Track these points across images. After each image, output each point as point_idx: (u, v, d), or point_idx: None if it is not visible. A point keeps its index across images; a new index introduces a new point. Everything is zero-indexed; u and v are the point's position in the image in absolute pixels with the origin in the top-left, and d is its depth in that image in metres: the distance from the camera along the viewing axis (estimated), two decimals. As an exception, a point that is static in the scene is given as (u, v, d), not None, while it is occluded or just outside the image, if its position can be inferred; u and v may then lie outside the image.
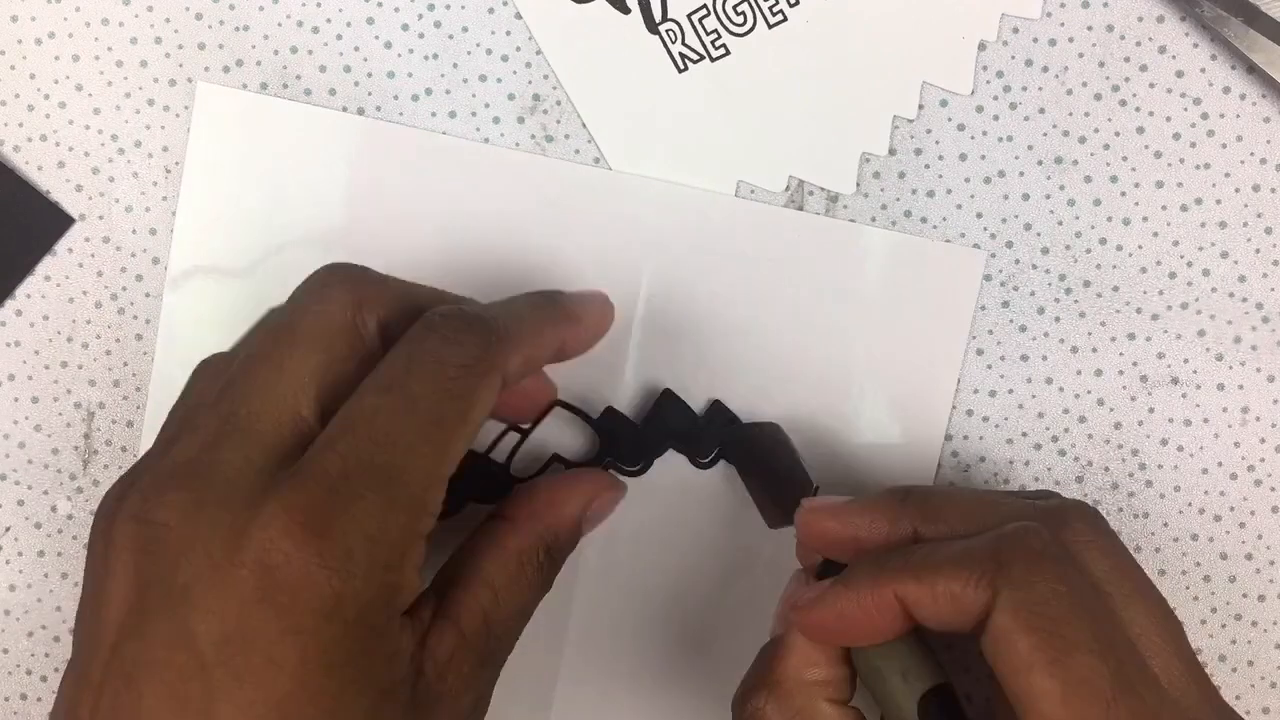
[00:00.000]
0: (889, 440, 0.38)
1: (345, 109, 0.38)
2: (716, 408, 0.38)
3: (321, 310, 0.31)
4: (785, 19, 0.38)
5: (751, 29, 0.38)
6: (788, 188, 0.38)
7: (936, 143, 0.38)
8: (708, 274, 0.38)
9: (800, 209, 0.38)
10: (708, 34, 0.38)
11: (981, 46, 0.38)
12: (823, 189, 0.38)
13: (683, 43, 0.38)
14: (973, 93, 0.38)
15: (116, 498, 0.29)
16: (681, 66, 0.38)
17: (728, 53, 0.38)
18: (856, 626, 0.29)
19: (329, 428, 0.29)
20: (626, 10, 0.38)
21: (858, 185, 0.38)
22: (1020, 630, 0.27)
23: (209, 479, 0.28)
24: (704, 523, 0.39)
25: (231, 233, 0.38)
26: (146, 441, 0.39)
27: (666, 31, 0.38)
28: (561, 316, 0.33)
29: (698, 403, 0.38)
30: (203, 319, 0.39)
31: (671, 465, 0.38)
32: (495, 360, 0.30)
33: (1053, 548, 0.28)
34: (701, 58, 0.38)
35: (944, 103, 0.38)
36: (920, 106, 0.38)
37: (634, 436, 0.38)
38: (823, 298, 0.38)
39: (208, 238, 0.39)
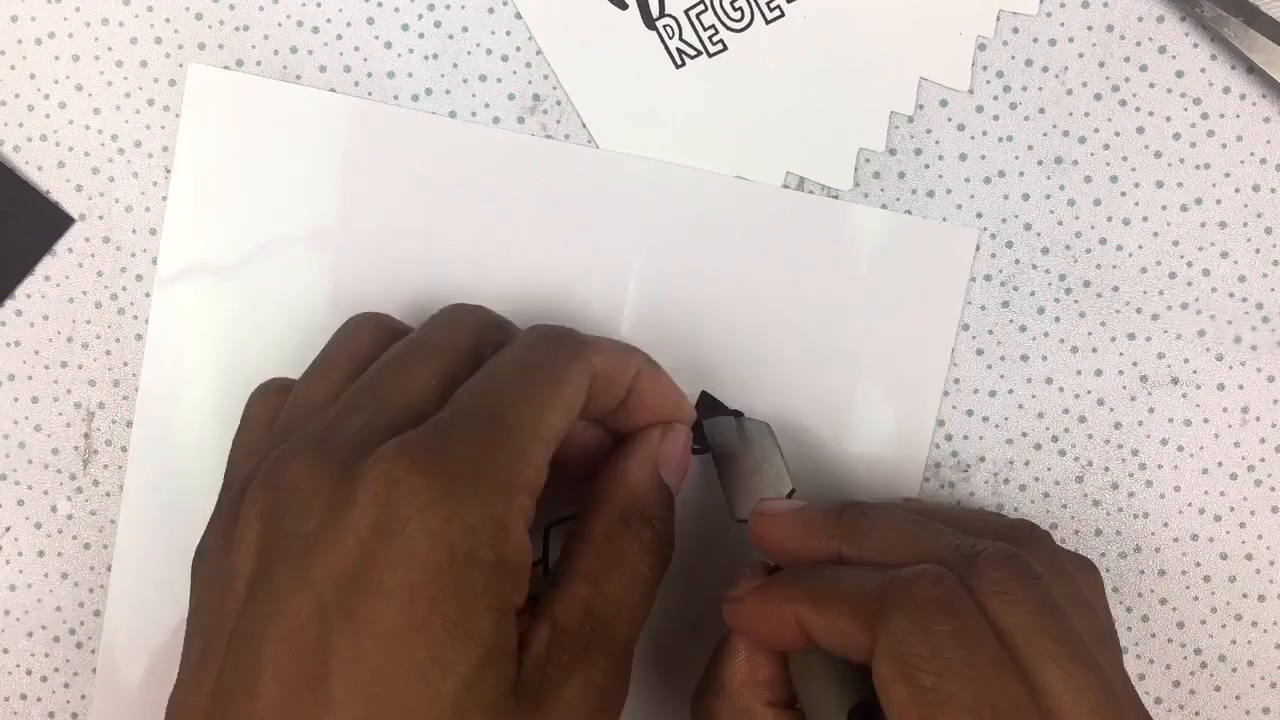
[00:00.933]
0: (881, 422, 0.38)
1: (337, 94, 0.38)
2: (705, 399, 0.38)
3: (450, 332, 0.33)
4: (783, 15, 0.38)
5: (749, 24, 0.38)
6: (785, 184, 0.38)
7: (936, 143, 0.38)
8: (700, 255, 0.38)
9: (800, 209, 0.38)
10: (705, 30, 0.38)
11: (981, 46, 0.38)
12: (821, 185, 0.38)
13: (680, 38, 0.38)
14: (971, 90, 0.38)
15: (241, 485, 0.31)
16: (679, 62, 0.38)
17: (725, 48, 0.38)
18: (764, 634, 0.31)
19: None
20: (624, 6, 0.38)
21: (856, 182, 0.38)
22: (895, 680, 0.27)
23: (334, 442, 0.30)
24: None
25: (223, 221, 0.38)
26: (143, 440, 0.39)
27: (664, 27, 0.38)
28: (640, 354, 0.34)
29: (689, 386, 0.38)
30: (195, 312, 0.39)
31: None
32: (582, 352, 0.32)
33: (947, 596, 0.27)
34: (699, 53, 0.38)
35: (944, 102, 0.38)
36: (920, 106, 0.38)
37: None
38: (814, 277, 0.38)
39: (200, 229, 0.38)
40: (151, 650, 0.39)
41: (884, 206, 0.38)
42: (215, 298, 0.39)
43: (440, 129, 0.38)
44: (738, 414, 0.38)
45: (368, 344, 0.34)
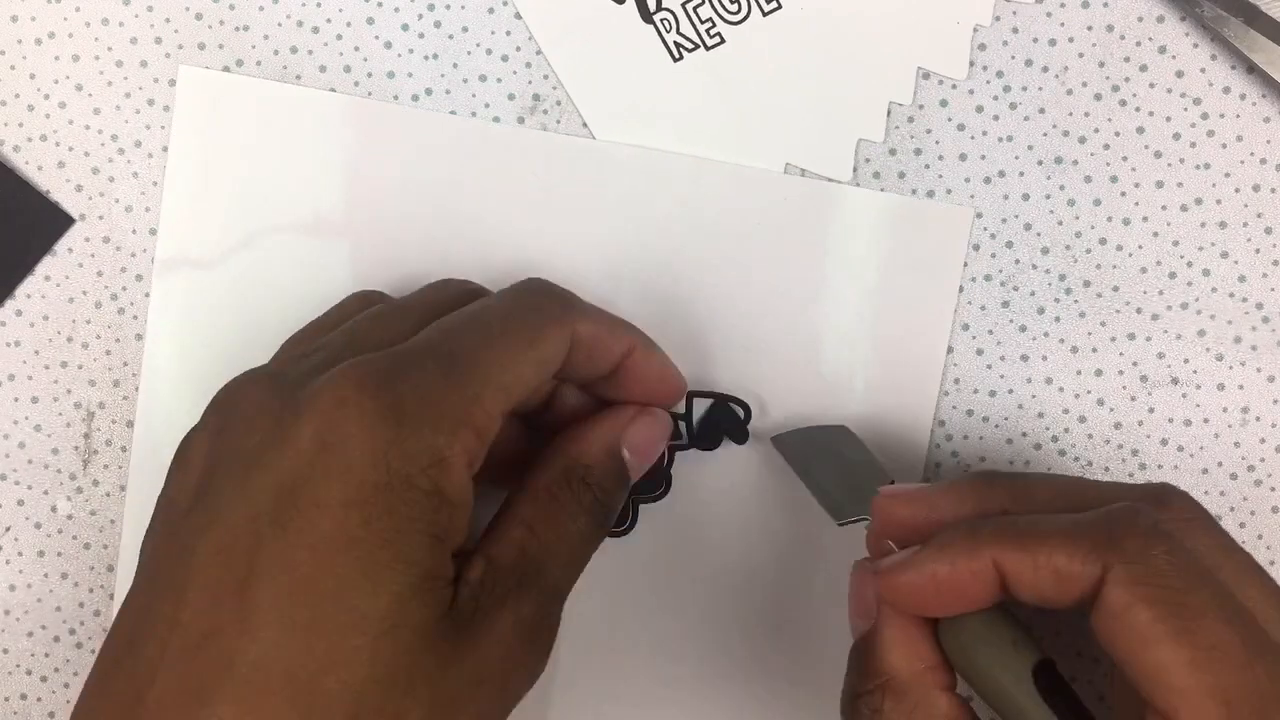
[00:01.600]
0: (882, 405, 0.38)
1: (335, 92, 0.38)
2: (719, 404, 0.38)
3: (433, 294, 0.34)
4: (780, 6, 0.38)
5: (746, 16, 0.38)
6: (785, 174, 0.38)
7: (937, 143, 0.38)
8: (697, 242, 0.38)
9: (800, 209, 0.38)
10: (702, 23, 0.38)
11: (981, 46, 0.38)
12: (820, 176, 0.38)
13: (677, 31, 0.38)
14: (969, 79, 0.38)
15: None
16: (677, 56, 0.38)
17: (723, 41, 0.38)
18: (949, 592, 0.28)
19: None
20: (621, 0, 0.38)
21: (855, 175, 0.38)
22: (1140, 603, 0.26)
23: (291, 370, 0.30)
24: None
25: (218, 220, 0.38)
26: (145, 439, 0.39)
27: (661, 21, 0.38)
28: (635, 331, 0.35)
29: (689, 373, 0.38)
30: (193, 310, 0.39)
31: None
32: (566, 317, 0.32)
33: (1163, 524, 0.28)
34: (696, 46, 0.38)
35: (944, 102, 0.38)
36: (920, 106, 0.38)
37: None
38: (811, 261, 0.38)
39: (195, 228, 0.39)
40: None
41: (884, 206, 0.38)
42: (211, 295, 0.39)
43: (436, 124, 0.38)
44: (819, 428, 0.38)
45: (357, 308, 0.34)
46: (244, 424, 0.30)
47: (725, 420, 0.38)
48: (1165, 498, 0.30)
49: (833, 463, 0.36)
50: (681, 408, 0.38)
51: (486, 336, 0.31)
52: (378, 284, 0.38)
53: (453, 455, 0.29)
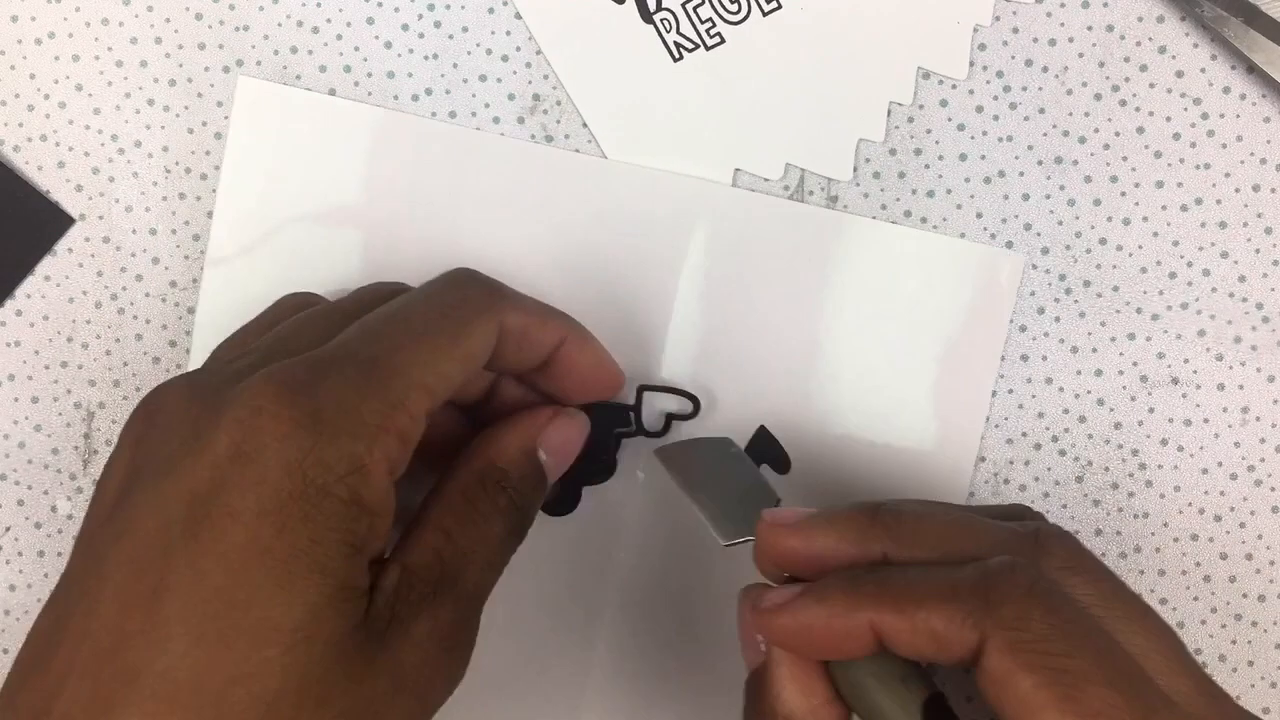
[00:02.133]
0: (923, 447, 0.38)
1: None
2: (762, 433, 0.38)
3: (364, 297, 0.33)
4: (780, 6, 0.38)
5: (746, 16, 0.38)
6: (786, 181, 0.38)
7: (936, 143, 0.38)
8: (741, 273, 0.38)
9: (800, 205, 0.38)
10: (702, 22, 0.38)
11: (981, 46, 0.38)
12: (821, 177, 0.38)
13: (677, 31, 0.38)
14: (969, 79, 0.38)
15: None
16: (677, 56, 0.38)
17: (723, 41, 0.38)
18: (825, 643, 0.28)
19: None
20: (621, 0, 0.38)
21: (855, 174, 0.38)
22: (1021, 670, 0.25)
23: (212, 375, 0.30)
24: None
25: (250, 221, 0.39)
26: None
27: (661, 21, 0.38)
28: (567, 321, 0.34)
29: (719, 406, 0.38)
30: (226, 308, 0.39)
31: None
32: (492, 308, 0.32)
33: (1041, 582, 0.27)
34: (696, 46, 0.38)
35: (944, 102, 0.38)
36: (920, 106, 0.38)
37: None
38: (860, 298, 0.38)
39: (242, 234, 0.39)
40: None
41: (884, 207, 0.38)
42: (243, 290, 0.39)
43: (456, 137, 0.38)
44: (703, 439, 0.37)
45: (291, 310, 0.34)
46: (162, 431, 0.29)
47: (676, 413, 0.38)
48: (1045, 542, 0.29)
49: (718, 479, 0.35)
50: (631, 399, 0.38)
51: (408, 335, 0.30)
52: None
53: (372, 462, 0.28)
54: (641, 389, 0.38)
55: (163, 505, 0.28)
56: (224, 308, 0.39)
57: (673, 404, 0.38)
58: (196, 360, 0.39)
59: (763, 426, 0.38)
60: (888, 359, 0.38)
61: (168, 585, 0.27)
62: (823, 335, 0.38)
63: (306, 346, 0.30)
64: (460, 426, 0.36)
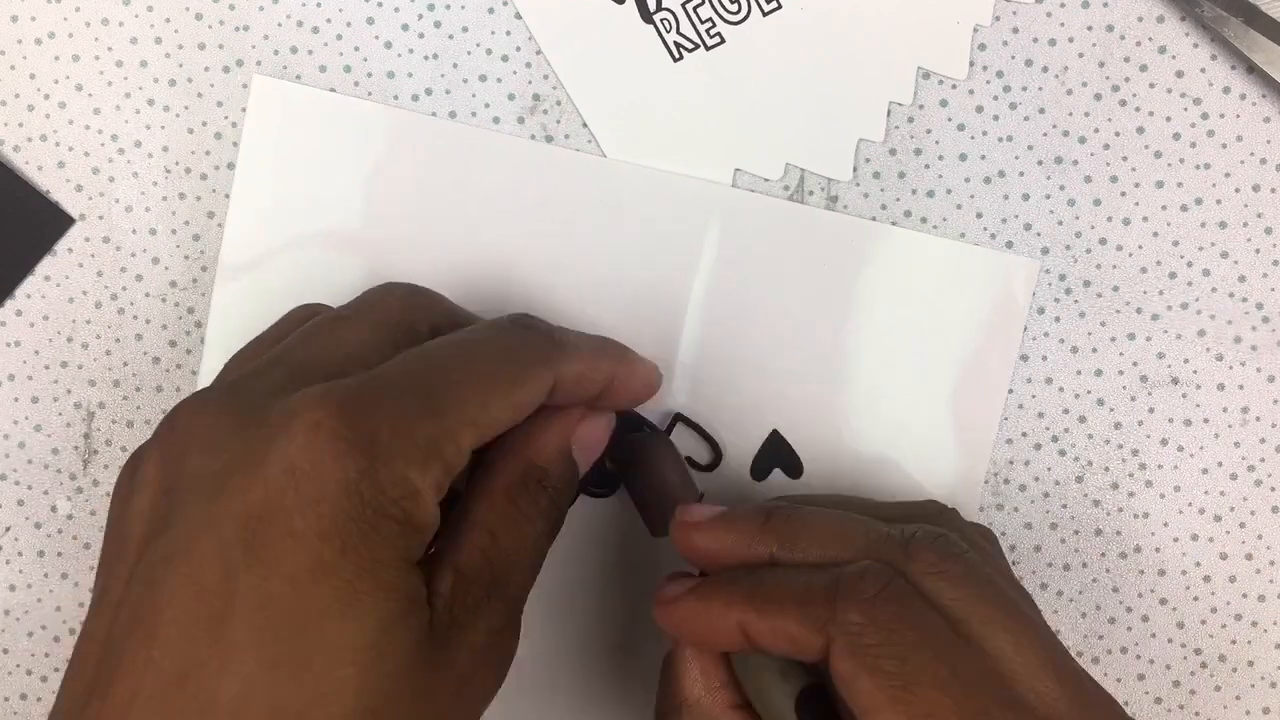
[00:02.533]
0: (936, 452, 0.38)
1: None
2: (775, 437, 0.38)
3: (378, 307, 0.33)
4: (780, 6, 0.38)
5: (746, 17, 0.38)
6: (786, 181, 0.38)
7: (936, 143, 0.38)
8: (751, 279, 0.38)
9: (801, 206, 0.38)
10: (702, 23, 0.38)
11: (981, 46, 0.38)
12: (821, 177, 0.38)
13: (677, 31, 0.38)
14: (969, 79, 0.38)
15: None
16: (677, 55, 0.38)
17: (723, 41, 0.38)
18: (705, 638, 0.31)
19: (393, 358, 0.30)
20: (621, 0, 0.38)
21: (855, 174, 0.38)
22: (860, 672, 0.27)
23: (248, 387, 0.30)
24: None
25: (261, 224, 0.39)
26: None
27: (661, 21, 0.38)
28: (617, 355, 0.34)
29: (731, 409, 0.38)
30: (238, 314, 0.39)
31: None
32: (553, 356, 0.32)
33: (892, 587, 0.28)
34: (696, 46, 0.38)
35: (944, 102, 0.38)
36: (920, 106, 0.38)
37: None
38: (875, 307, 0.38)
39: (255, 233, 0.39)
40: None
41: (884, 207, 0.38)
42: (252, 298, 0.39)
43: (465, 136, 0.38)
44: (641, 434, 0.38)
45: (298, 325, 0.33)
46: (203, 446, 0.28)
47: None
48: (916, 546, 0.30)
49: (650, 474, 0.36)
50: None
51: (468, 372, 0.30)
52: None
53: (424, 487, 0.28)
54: (677, 419, 0.39)
55: (217, 524, 0.27)
56: (237, 307, 0.39)
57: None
58: (209, 360, 0.39)
59: (775, 430, 0.38)
60: (901, 365, 0.38)
61: (233, 609, 0.27)
62: (836, 340, 0.38)
63: (341, 358, 0.30)
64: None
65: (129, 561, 0.28)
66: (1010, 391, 0.39)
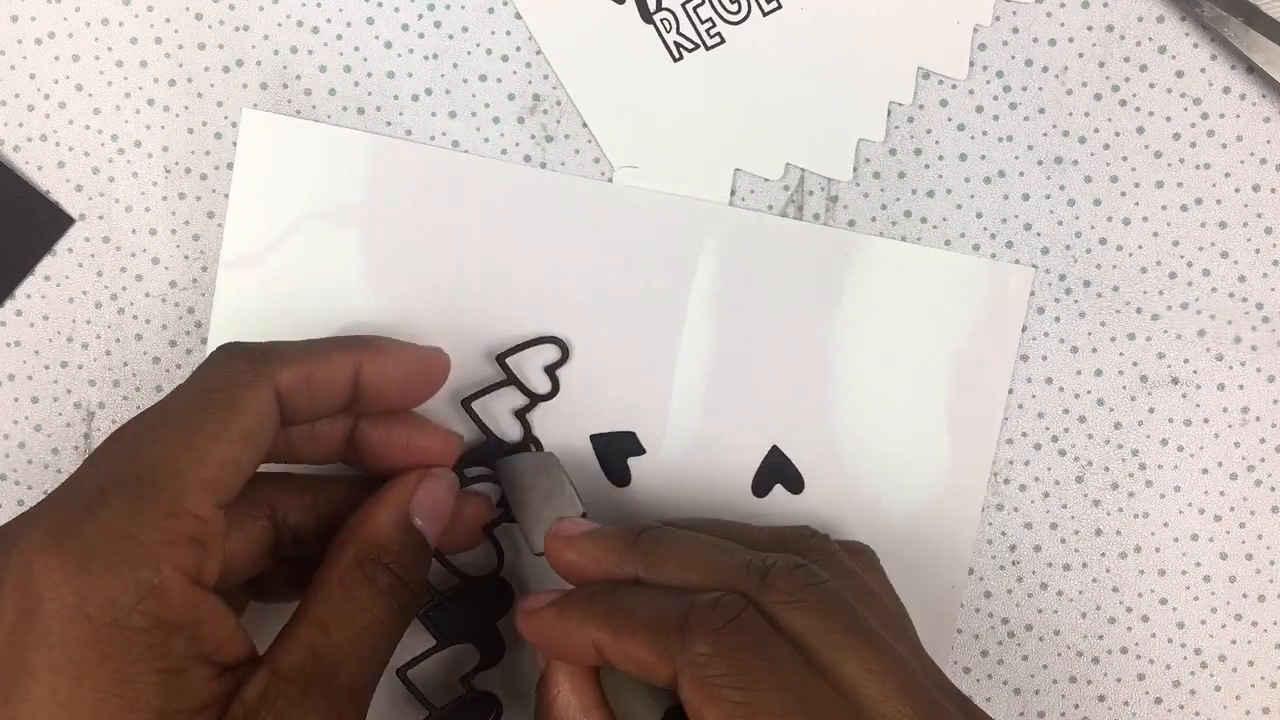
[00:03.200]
0: (936, 464, 0.38)
1: (345, 109, 0.38)
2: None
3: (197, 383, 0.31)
4: (780, 6, 0.38)
5: (746, 17, 0.38)
6: (786, 181, 0.38)
7: (936, 143, 0.38)
8: (748, 292, 0.38)
9: (800, 208, 0.38)
10: (702, 22, 0.38)
11: (981, 46, 0.38)
12: (821, 177, 0.38)
13: (677, 32, 0.38)
14: (969, 79, 0.38)
15: None
16: (677, 56, 0.38)
17: (723, 41, 0.38)
18: (564, 652, 0.31)
19: (91, 452, 0.29)
20: (621, 0, 0.38)
21: (855, 174, 0.38)
22: (705, 702, 0.27)
23: (10, 525, 0.29)
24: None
25: (263, 251, 0.39)
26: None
27: (661, 21, 0.38)
28: (357, 345, 0.33)
29: (731, 426, 0.38)
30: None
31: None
32: (260, 375, 0.31)
33: (742, 618, 0.28)
34: (696, 46, 0.38)
35: (944, 102, 0.38)
36: (920, 106, 0.38)
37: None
38: (871, 319, 0.38)
39: (248, 263, 0.39)
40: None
41: (884, 207, 0.38)
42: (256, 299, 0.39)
43: (459, 164, 0.38)
44: (526, 454, 0.38)
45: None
46: None
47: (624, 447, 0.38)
48: (772, 575, 0.29)
49: (536, 492, 0.36)
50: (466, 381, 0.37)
51: (170, 434, 0.29)
52: (391, 309, 0.38)
53: (164, 580, 0.27)
54: (501, 357, 0.38)
55: None
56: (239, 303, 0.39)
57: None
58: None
59: (775, 446, 0.38)
60: (899, 376, 0.38)
61: None
62: (833, 354, 0.38)
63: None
64: (333, 495, 0.35)
65: None
66: (1010, 391, 0.39)
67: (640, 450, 0.38)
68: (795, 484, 0.38)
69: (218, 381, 0.30)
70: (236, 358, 0.31)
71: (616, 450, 0.38)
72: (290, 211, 0.38)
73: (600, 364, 0.38)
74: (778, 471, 0.38)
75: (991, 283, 0.38)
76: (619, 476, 0.38)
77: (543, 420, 0.38)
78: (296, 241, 0.38)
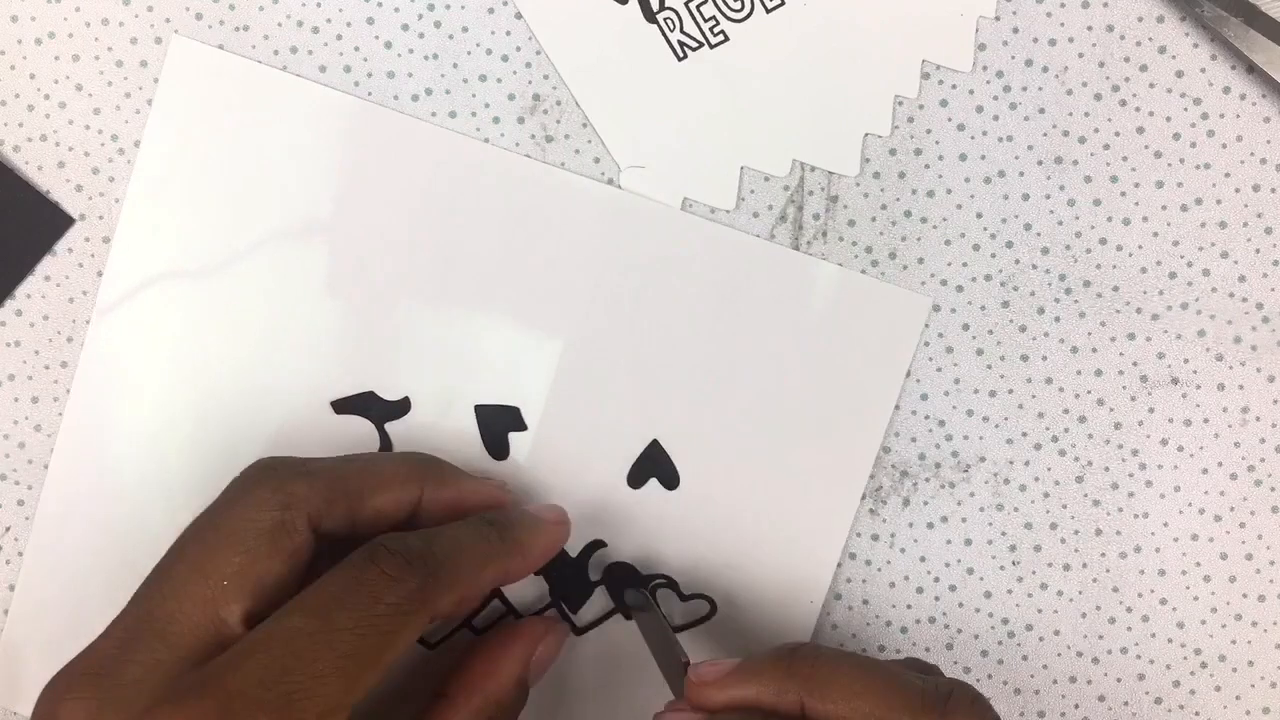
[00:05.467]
0: (810, 475, 0.38)
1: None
2: (617, 568, 0.38)
3: (245, 512, 0.31)
4: (783, 3, 0.38)
5: (749, 14, 0.38)
6: (787, 181, 0.38)
7: (937, 143, 0.38)
8: (655, 299, 0.38)
9: (800, 209, 0.38)
10: (705, 21, 0.38)
11: (981, 46, 0.38)
12: (822, 174, 0.38)
13: (681, 30, 0.38)
14: (970, 79, 0.38)
15: (41, 699, 0.29)
16: (681, 55, 0.38)
17: (726, 39, 0.38)
18: None
19: (245, 639, 0.28)
20: (624, 0, 0.38)
21: (862, 169, 0.38)
22: None
23: (115, 679, 0.28)
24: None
25: (195, 223, 0.38)
26: (62, 455, 0.39)
27: (664, 20, 0.38)
28: (505, 552, 0.33)
29: (638, 438, 0.38)
30: (163, 327, 0.38)
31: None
32: (428, 600, 0.30)
33: None
34: (700, 45, 0.38)
35: (944, 102, 0.38)
36: (921, 106, 0.38)
37: (576, 574, 0.38)
38: (763, 326, 0.38)
39: (165, 230, 0.38)
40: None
41: (884, 206, 0.38)
42: (183, 302, 0.38)
43: (442, 141, 0.38)
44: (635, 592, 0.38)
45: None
46: None
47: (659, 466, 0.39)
48: (954, 706, 0.29)
49: (655, 629, 0.36)
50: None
51: (333, 663, 0.28)
52: (354, 293, 0.38)
53: None
54: (608, 571, 0.38)
55: None
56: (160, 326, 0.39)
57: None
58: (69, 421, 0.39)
59: (655, 440, 0.38)
60: (786, 390, 0.38)
61: None
62: (723, 357, 0.38)
63: (202, 623, 0.29)
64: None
65: None
66: (1010, 391, 0.39)
67: (522, 426, 0.38)
68: (670, 480, 0.38)
69: (389, 605, 0.29)
70: (409, 584, 0.30)
71: (499, 423, 0.38)
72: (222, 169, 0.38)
73: (491, 335, 0.38)
74: (655, 465, 0.38)
75: (888, 307, 0.38)
76: (498, 450, 0.38)
77: (427, 387, 0.38)
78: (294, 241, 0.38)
